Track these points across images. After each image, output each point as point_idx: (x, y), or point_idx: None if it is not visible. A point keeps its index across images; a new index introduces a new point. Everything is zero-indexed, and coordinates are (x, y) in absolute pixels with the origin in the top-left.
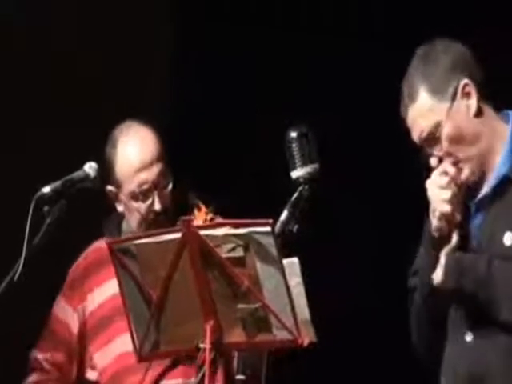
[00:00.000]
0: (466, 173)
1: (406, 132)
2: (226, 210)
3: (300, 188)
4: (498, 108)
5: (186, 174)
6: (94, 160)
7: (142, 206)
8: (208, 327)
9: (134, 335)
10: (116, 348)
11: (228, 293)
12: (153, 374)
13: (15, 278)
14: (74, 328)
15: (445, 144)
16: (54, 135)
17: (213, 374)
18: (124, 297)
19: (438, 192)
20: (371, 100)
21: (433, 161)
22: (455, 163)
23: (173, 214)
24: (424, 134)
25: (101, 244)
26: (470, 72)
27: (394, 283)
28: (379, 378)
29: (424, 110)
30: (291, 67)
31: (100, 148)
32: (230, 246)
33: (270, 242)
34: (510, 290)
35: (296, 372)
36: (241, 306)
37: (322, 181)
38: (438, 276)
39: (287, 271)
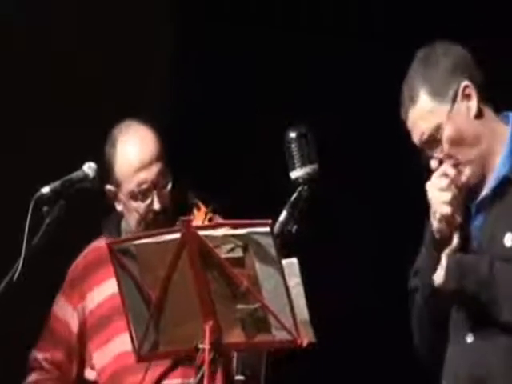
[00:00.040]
0: (466, 175)
1: (406, 132)
2: (226, 209)
3: (299, 188)
4: (498, 110)
5: (186, 174)
6: (94, 160)
7: (141, 206)
8: (207, 327)
9: (133, 335)
10: (115, 347)
11: (227, 293)
12: (152, 374)
13: (15, 278)
14: (74, 327)
15: (445, 146)
16: (54, 135)
17: (212, 374)
18: (123, 297)
19: (439, 194)
20: (371, 100)
21: (433, 163)
22: (455, 165)
23: (172, 213)
24: (424, 137)
25: (100, 243)
26: (470, 74)
27: (394, 283)
28: (379, 378)
29: (424, 113)
30: (291, 67)
31: (100, 148)
32: (229, 246)
33: (269, 243)
34: (511, 291)
35: (295, 372)
36: (240, 306)
37: (321, 181)
38: (439, 277)
39: (286, 272)
